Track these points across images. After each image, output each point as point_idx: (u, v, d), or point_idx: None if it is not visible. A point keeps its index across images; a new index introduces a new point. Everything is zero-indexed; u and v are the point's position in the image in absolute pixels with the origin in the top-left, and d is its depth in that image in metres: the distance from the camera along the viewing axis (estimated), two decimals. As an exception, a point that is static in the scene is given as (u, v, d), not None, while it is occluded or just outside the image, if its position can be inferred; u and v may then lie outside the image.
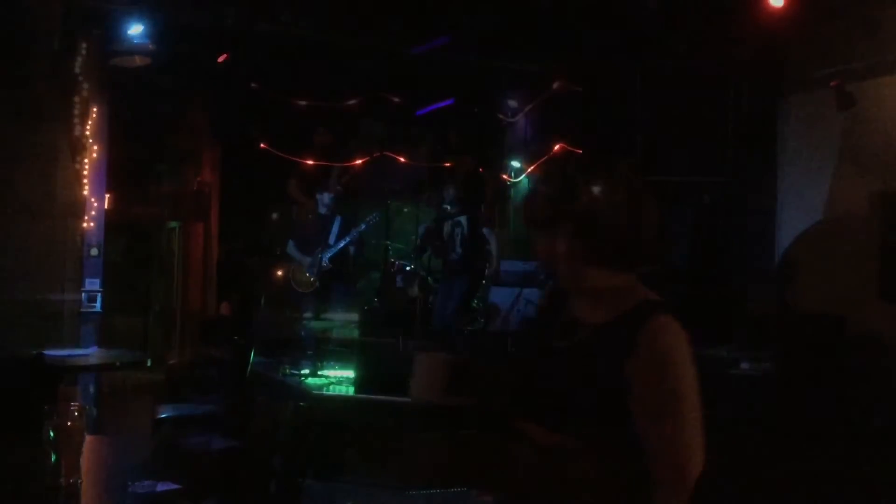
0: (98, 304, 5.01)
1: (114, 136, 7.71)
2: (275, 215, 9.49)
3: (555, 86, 9.85)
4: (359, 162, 7.10)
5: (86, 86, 7.09)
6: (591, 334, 2.00)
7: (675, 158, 8.20)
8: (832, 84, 6.17)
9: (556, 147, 7.52)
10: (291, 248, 7.52)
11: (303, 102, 9.57)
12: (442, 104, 10.13)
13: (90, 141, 7.15)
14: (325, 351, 6.94)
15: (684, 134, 8.09)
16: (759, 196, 7.28)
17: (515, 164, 9.99)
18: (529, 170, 7.74)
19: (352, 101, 9.93)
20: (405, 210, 9.11)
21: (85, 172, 7.18)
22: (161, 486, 2.03)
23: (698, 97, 7.85)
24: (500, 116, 10.96)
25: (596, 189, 2.06)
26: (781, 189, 6.89)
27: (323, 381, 6.38)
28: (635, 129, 8.34)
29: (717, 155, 7.75)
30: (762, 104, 7.22)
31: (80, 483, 1.90)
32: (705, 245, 7.50)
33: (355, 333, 6.17)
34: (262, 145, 9.43)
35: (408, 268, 8.58)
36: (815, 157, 6.61)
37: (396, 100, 10.07)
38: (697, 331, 6.67)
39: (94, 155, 7.16)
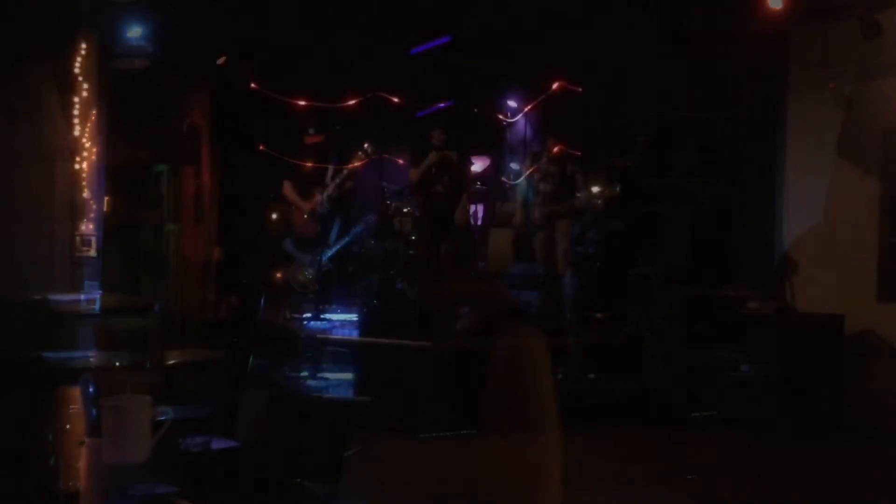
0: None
1: (112, 136, 7.70)
2: (274, 216, 9.48)
3: (554, 87, 9.86)
4: (357, 164, 7.08)
5: (85, 86, 7.09)
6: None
7: (676, 160, 8.20)
8: (831, 86, 6.17)
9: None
10: (289, 245, 7.47)
11: (301, 103, 9.58)
12: (442, 105, 10.14)
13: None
14: (324, 353, 6.97)
15: (685, 135, 8.09)
16: (758, 197, 7.28)
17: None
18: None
19: (350, 102, 9.94)
20: (405, 210, 9.09)
21: (84, 174, 7.16)
22: (160, 489, 2.01)
23: (699, 97, 7.85)
24: (500, 117, 10.96)
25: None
26: (781, 190, 6.89)
27: (322, 383, 6.41)
28: (635, 130, 8.34)
29: (718, 156, 7.76)
30: (763, 105, 7.22)
31: (79, 486, 1.89)
32: (705, 246, 7.51)
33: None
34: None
35: (405, 210, 8.77)
36: (816, 158, 6.61)
37: (395, 100, 10.07)
38: (698, 332, 6.65)
39: (93, 157, 7.15)
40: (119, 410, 1.88)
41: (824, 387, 5.80)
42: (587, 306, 7.30)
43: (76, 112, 7.09)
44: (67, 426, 2.34)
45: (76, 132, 7.10)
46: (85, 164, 7.11)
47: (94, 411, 1.99)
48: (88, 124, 7.13)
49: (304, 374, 6.66)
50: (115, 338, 6.84)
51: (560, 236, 7.34)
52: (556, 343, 6.13)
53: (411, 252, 8.71)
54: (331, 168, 7.14)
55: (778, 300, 6.65)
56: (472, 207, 9.39)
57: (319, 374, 6.67)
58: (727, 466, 5.12)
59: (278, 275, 8.87)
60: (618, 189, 7.13)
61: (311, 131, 7.35)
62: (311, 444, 2.53)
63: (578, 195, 7.24)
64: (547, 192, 7.45)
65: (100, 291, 5.51)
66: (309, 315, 6.76)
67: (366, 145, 7.06)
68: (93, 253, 7.13)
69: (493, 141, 10.93)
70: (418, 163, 7.67)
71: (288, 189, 7.42)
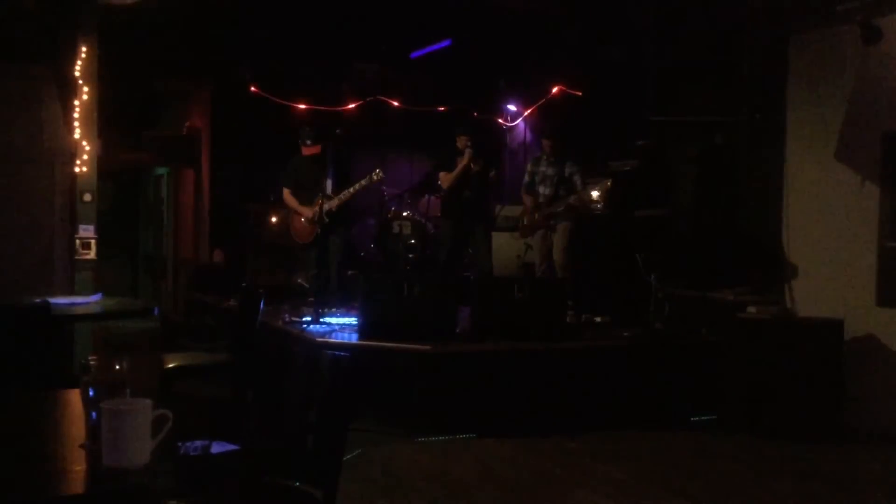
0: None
1: (112, 139, 7.67)
2: (274, 219, 9.47)
3: (554, 91, 9.89)
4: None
5: (86, 89, 7.07)
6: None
7: (687, 98, 8.13)
8: (858, 18, 5.99)
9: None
10: (288, 196, 7.43)
11: (301, 107, 9.60)
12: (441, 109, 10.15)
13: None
14: (326, 297, 7.08)
15: (684, 140, 8.10)
16: (758, 201, 7.28)
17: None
18: (528, 175, 7.74)
19: (350, 106, 9.96)
20: (405, 214, 9.11)
21: (75, 115, 7.07)
22: (217, 447, 1.96)
23: (699, 101, 7.86)
24: (500, 121, 10.98)
25: None
26: (781, 194, 6.88)
27: (326, 328, 6.46)
28: (634, 134, 8.36)
29: (717, 160, 7.76)
30: (763, 110, 7.22)
31: (80, 490, 1.88)
32: (705, 250, 7.51)
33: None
34: (252, 88, 9.38)
35: (405, 213, 8.82)
36: (815, 162, 6.61)
37: (396, 104, 10.09)
38: (705, 273, 6.56)
39: (85, 96, 7.05)
40: (119, 413, 1.88)
41: (823, 391, 5.80)
42: (586, 309, 7.32)
43: (76, 115, 7.09)
44: (67, 429, 2.34)
45: (76, 135, 7.10)
46: (85, 167, 7.10)
47: (93, 414, 1.99)
48: (78, 62, 7.07)
49: (307, 319, 6.70)
50: (114, 341, 6.84)
51: (559, 239, 7.34)
52: (555, 346, 6.13)
53: (410, 255, 8.73)
54: (330, 175, 7.14)
55: (777, 304, 6.65)
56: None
57: (322, 320, 6.74)
58: (726, 470, 5.12)
59: (273, 221, 8.92)
60: (609, 183, 7.15)
61: (308, 142, 7.33)
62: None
63: (574, 195, 7.25)
64: (546, 195, 7.45)
65: (99, 294, 5.50)
66: (309, 318, 6.76)
67: (377, 170, 7.11)
68: (92, 255, 7.13)
69: (494, 145, 10.95)
70: (447, 166, 7.56)
71: (287, 195, 7.43)
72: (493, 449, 5.34)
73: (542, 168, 7.53)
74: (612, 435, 5.71)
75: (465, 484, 4.65)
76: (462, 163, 7.38)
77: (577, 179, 7.35)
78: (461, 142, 7.45)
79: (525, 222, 7.66)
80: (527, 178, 7.69)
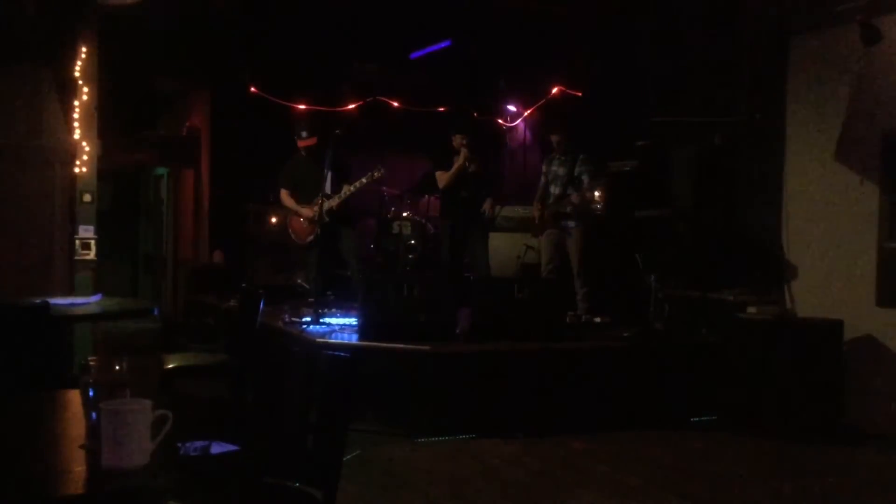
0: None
1: (112, 140, 7.67)
2: (273, 219, 9.47)
3: (554, 91, 9.89)
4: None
5: (85, 90, 7.08)
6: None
7: (687, 98, 8.15)
8: (858, 18, 5.99)
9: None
10: (286, 197, 7.43)
11: (301, 107, 9.60)
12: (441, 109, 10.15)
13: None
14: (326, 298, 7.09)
15: (683, 140, 8.10)
16: (758, 201, 7.28)
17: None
18: (544, 178, 7.75)
19: (350, 106, 9.96)
20: (404, 214, 9.10)
21: (75, 115, 7.08)
22: (217, 447, 1.96)
23: (699, 102, 7.86)
24: (500, 122, 10.98)
25: None
26: (780, 194, 6.89)
27: (326, 328, 6.46)
28: (634, 135, 8.35)
29: (717, 161, 7.76)
30: (763, 110, 7.22)
31: (79, 491, 1.88)
32: (705, 250, 7.51)
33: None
34: (252, 89, 9.39)
35: (405, 213, 8.82)
36: (815, 162, 6.62)
37: (395, 104, 10.09)
38: (705, 273, 6.54)
39: (85, 97, 7.05)
40: (118, 414, 1.88)
41: (823, 391, 5.81)
42: (587, 310, 7.32)
43: (76, 115, 7.09)
44: (67, 429, 2.34)
45: (76, 135, 7.10)
46: (85, 168, 7.11)
47: (93, 415, 1.98)
48: (78, 63, 7.07)
49: (307, 320, 6.69)
50: (114, 341, 6.84)
51: (574, 244, 7.31)
52: (555, 346, 6.13)
53: (410, 255, 8.73)
54: (329, 175, 7.12)
55: (777, 304, 6.66)
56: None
57: (322, 321, 6.72)
58: (726, 470, 5.12)
59: (273, 221, 8.95)
60: (603, 182, 7.17)
61: (303, 134, 7.32)
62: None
63: (574, 193, 7.24)
64: (556, 194, 7.46)
65: (99, 294, 5.51)
66: (308, 319, 6.76)
67: (378, 167, 7.10)
68: (92, 256, 7.14)
69: (494, 145, 10.95)
70: (444, 165, 7.51)
71: (285, 196, 7.42)
72: (493, 449, 5.34)
73: (554, 168, 7.54)
74: (612, 435, 5.71)
75: (465, 484, 4.65)
76: (457, 163, 7.34)
77: (585, 179, 7.34)
78: (456, 141, 7.38)
79: (536, 222, 7.67)
80: (542, 179, 7.68)
